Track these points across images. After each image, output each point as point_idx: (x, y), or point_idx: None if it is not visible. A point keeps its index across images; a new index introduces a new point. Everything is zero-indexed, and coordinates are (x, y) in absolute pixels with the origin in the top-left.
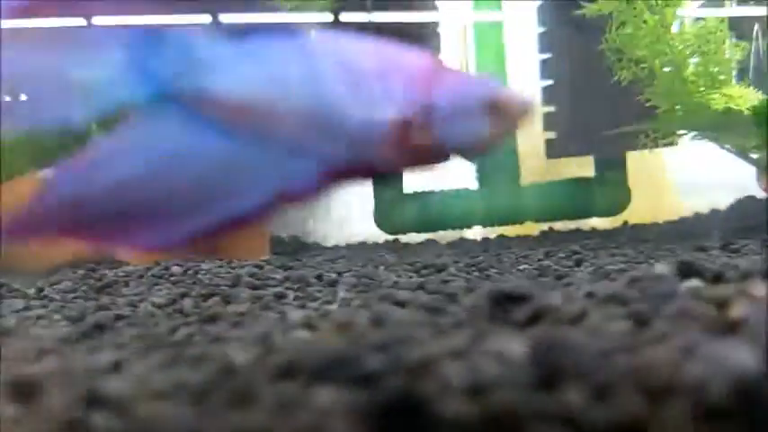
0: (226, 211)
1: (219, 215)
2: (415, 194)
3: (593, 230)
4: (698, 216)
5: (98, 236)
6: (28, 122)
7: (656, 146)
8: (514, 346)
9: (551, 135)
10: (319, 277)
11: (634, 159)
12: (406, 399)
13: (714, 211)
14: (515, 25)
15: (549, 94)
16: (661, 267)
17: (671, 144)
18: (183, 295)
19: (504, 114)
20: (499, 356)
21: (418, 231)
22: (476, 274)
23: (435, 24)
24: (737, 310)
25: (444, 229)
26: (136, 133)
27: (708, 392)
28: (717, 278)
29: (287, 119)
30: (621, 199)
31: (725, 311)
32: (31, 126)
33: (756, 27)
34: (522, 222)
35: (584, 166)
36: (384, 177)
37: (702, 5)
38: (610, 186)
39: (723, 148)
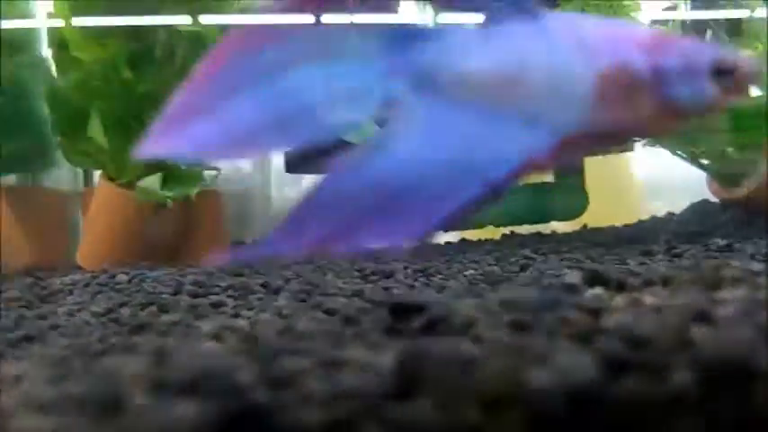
0: (477, 186)
1: (471, 192)
2: None
3: (553, 234)
4: (654, 219)
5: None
6: (309, 136)
7: (610, 151)
8: (384, 358)
9: None
10: (264, 285)
11: (599, 163)
12: (254, 409)
13: (669, 215)
14: None
15: None
16: (571, 276)
17: (627, 150)
18: (123, 304)
19: (731, 78)
20: (366, 367)
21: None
22: (421, 280)
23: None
24: (608, 320)
25: None
26: (403, 126)
27: (543, 401)
28: (620, 286)
29: (529, 92)
30: (579, 203)
31: (598, 320)
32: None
33: (710, 32)
34: (482, 227)
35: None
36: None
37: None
38: (568, 191)
39: (675, 154)
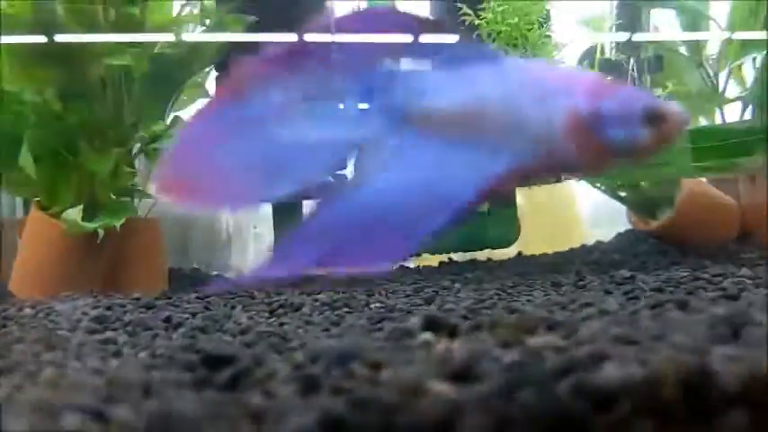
0: (449, 209)
1: (444, 215)
2: None
3: (488, 261)
4: (584, 248)
5: (359, 258)
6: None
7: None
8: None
9: None
10: (168, 320)
11: (542, 192)
12: None
13: (598, 243)
14: None
15: None
16: (413, 320)
17: (558, 181)
18: (19, 340)
19: (662, 126)
20: (123, 426)
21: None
22: (326, 313)
23: None
24: (383, 374)
25: None
26: (383, 159)
27: None
28: (452, 331)
29: (489, 127)
30: (511, 232)
31: (377, 374)
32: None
33: (632, 68)
34: (418, 255)
35: None
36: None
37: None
38: (501, 220)
39: (595, 186)
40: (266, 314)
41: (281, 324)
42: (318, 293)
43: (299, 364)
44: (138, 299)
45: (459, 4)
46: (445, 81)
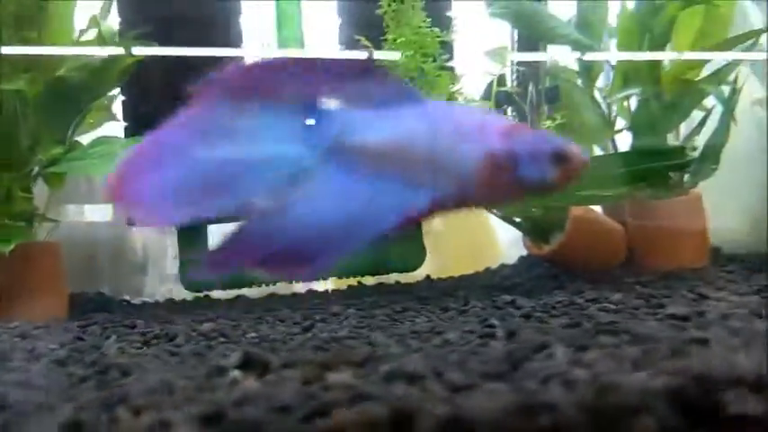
0: (367, 234)
1: (362, 239)
2: None
3: (396, 284)
4: (487, 271)
5: (278, 267)
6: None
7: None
8: None
9: None
10: (32, 350)
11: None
12: None
13: (501, 267)
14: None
15: None
16: (232, 356)
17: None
18: None
19: (565, 165)
20: None
21: (221, 289)
22: (202, 343)
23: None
24: (142, 418)
25: (248, 287)
26: (311, 186)
27: None
28: (265, 368)
29: (410, 162)
30: (417, 256)
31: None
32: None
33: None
34: (325, 278)
35: None
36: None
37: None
38: (407, 245)
39: (491, 212)
40: (138, 344)
41: (147, 355)
42: (207, 321)
43: (75, 409)
44: (14, 327)
45: (358, 37)
46: (373, 119)
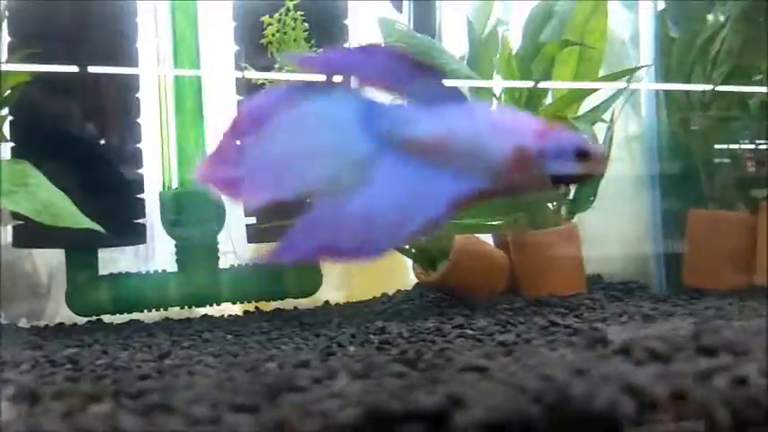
0: (419, 219)
1: (415, 224)
2: (111, 276)
3: (293, 310)
4: (383, 296)
5: (342, 253)
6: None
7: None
8: None
9: (252, 221)
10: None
11: None
12: None
13: (397, 292)
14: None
15: None
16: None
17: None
18: None
19: (588, 160)
20: None
21: (112, 313)
22: (37, 371)
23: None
24: None
25: (140, 310)
26: (369, 175)
27: None
28: (34, 399)
29: (453, 154)
30: (314, 282)
31: None
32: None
33: None
34: (219, 303)
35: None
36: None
37: None
38: (302, 270)
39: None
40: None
41: None
42: (74, 347)
43: None
44: None
45: (245, 64)
46: (425, 114)
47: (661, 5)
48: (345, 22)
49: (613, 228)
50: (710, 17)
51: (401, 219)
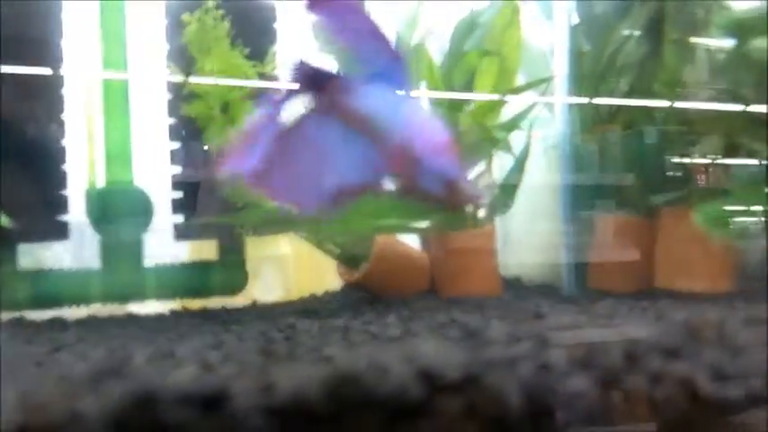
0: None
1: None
2: (31, 272)
3: (222, 309)
4: (309, 296)
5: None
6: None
7: (250, 235)
8: None
9: (179, 218)
10: None
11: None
12: None
13: (326, 292)
14: (143, 90)
15: (176, 181)
16: None
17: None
18: None
19: (456, 195)
20: None
21: (31, 309)
22: None
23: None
24: None
25: (60, 307)
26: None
27: None
28: None
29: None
30: (239, 281)
31: None
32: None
33: None
34: (143, 301)
35: (209, 250)
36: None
37: None
38: (228, 268)
39: (304, 239)
40: None
41: None
42: None
43: None
44: None
45: (169, 64)
46: (371, 94)
47: (575, 20)
48: (274, 25)
49: (534, 233)
50: (622, 32)
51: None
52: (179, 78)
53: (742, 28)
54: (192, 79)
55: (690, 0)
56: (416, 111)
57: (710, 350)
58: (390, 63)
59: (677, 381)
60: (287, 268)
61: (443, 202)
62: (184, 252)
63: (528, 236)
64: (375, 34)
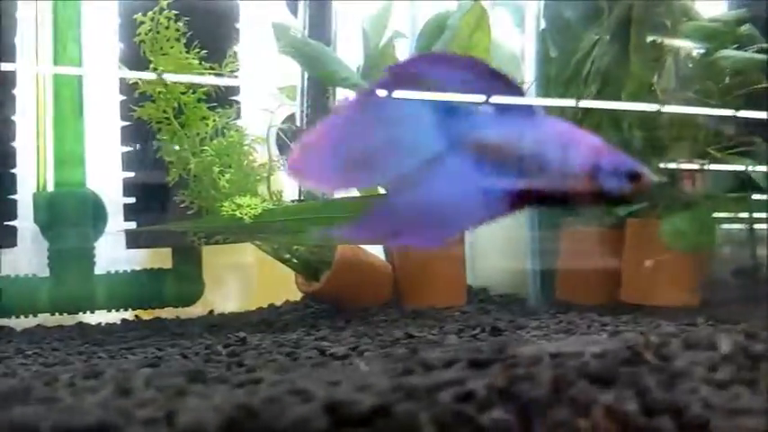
0: (478, 214)
1: (473, 219)
2: None
3: (177, 319)
4: (269, 307)
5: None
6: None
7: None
8: None
9: (131, 226)
10: None
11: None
12: None
13: (286, 302)
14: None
15: (128, 186)
16: None
17: (219, 242)
18: None
19: (638, 182)
20: None
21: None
22: None
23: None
24: None
25: (7, 316)
26: (439, 170)
27: None
28: None
29: (520, 160)
30: (194, 290)
31: None
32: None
33: None
34: (93, 311)
35: (164, 258)
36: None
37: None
38: (183, 278)
39: (261, 249)
40: None
41: None
42: None
43: None
44: None
45: (121, 65)
46: (497, 123)
47: (543, 25)
48: (237, 25)
49: (503, 242)
50: (589, 38)
51: (459, 212)
52: (131, 80)
53: (709, 37)
54: (145, 81)
55: (656, 6)
56: (558, 128)
57: (645, 376)
58: (510, 92)
59: (604, 411)
60: (251, 277)
61: (630, 195)
62: (139, 259)
63: (497, 245)
64: (483, 74)
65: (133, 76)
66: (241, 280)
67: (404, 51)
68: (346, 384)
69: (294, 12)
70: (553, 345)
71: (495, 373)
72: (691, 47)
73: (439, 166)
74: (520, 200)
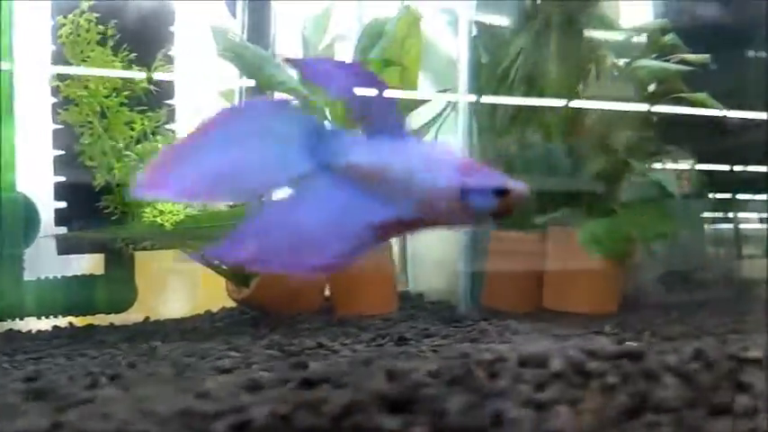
0: (355, 238)
1: (351, 242)
2: None
3: (110, 326)
4: (205, 314)
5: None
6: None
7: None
8: None
9: (62, 230)
10: None
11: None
12: None
13: (222, 309)
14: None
15: (60, 191)
16: None
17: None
18: None
19: (507, 197)
20: None
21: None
22: None
23: None
24: None
25: None
26: (305, 193)
27: None
28: None
29: (389, 183)
30: (126, 296)
31: None
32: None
33: None
34: (22, 318)
35: (96, 263)
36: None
37: None
38: (116, 284)
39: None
40: None
41: None
42: None
43: None
44: None
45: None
46: (367, 145)
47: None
48: (171, 28)
49: (441, 247)
50: (515, 45)
51: (327, 238)
52: (55, 82)
53: (627, 49)
54: (66, 84)
55: (579, 15)
56: (427, 149)
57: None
58: (387, 112)
59: None
60: (194, 283)
61: (501, 212)
62: (71, 266)
63: (435, 249)
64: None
65: (55, 81)
66: (185, 285)
67: (347, 53)
68: (134, 409)
69: (234, 12)
70: (394, 362)
71: (281, 399)
72: (614, 56)
73: (305, 188)
74: (388, 228)
